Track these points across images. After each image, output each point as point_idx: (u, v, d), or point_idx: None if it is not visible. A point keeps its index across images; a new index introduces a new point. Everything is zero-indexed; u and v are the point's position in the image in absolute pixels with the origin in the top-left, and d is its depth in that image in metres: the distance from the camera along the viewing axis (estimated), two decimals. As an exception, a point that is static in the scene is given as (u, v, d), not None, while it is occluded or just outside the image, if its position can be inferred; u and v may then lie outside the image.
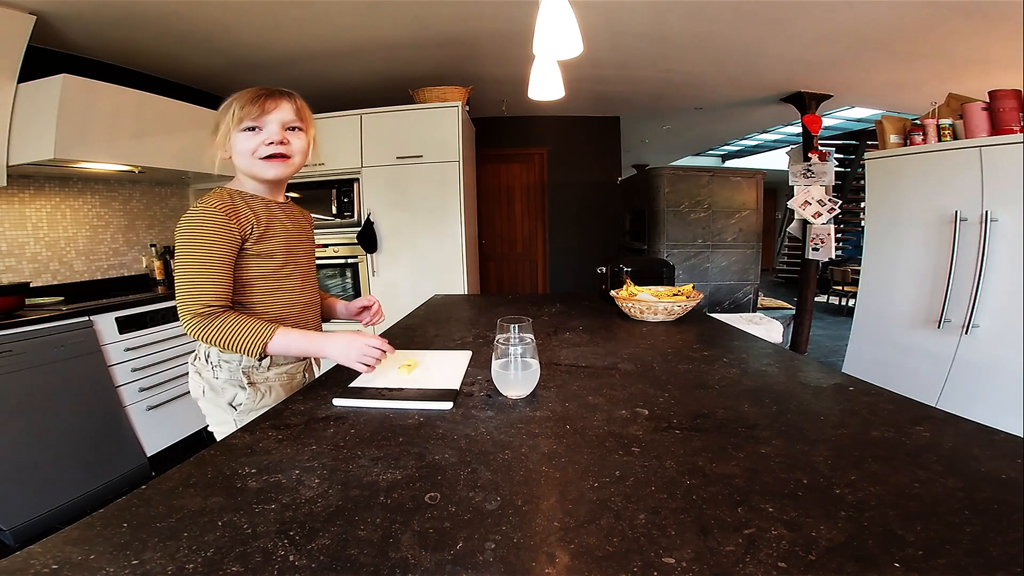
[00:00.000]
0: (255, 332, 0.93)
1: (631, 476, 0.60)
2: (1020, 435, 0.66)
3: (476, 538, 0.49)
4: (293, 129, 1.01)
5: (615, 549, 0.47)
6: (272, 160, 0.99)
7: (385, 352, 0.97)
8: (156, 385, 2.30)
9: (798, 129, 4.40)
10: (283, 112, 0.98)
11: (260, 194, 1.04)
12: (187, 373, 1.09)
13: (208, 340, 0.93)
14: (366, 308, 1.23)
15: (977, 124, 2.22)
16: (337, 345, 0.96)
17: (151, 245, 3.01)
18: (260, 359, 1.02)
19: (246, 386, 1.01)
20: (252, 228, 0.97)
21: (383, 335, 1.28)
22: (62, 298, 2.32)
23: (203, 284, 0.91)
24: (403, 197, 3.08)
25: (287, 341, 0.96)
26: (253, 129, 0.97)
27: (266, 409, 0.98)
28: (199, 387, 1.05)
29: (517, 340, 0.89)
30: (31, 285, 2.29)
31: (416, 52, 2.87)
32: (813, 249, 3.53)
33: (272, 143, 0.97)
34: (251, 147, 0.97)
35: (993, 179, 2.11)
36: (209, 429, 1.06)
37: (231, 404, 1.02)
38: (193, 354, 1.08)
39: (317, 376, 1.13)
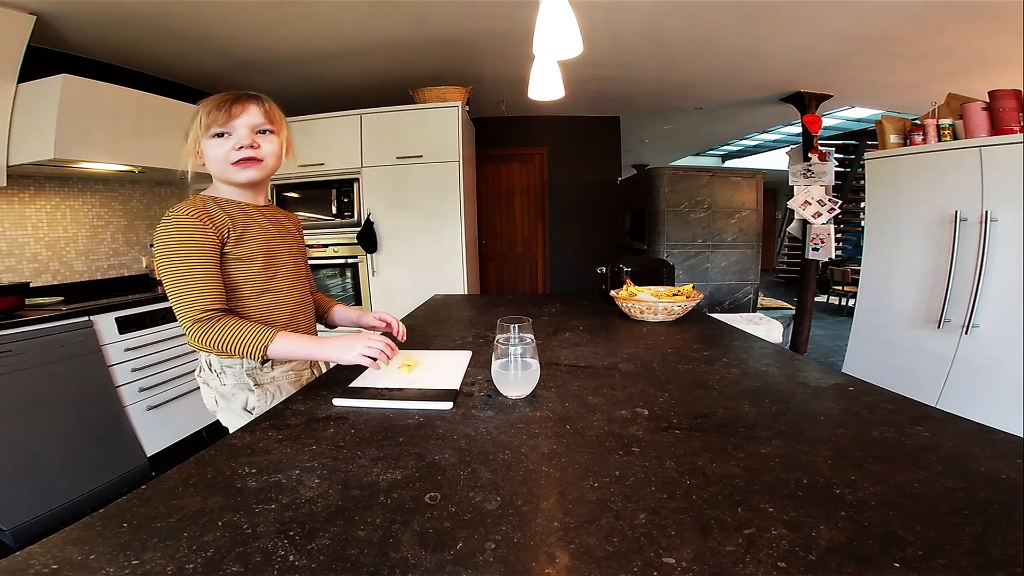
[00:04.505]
0: (255, 336, 0.92)
1: (631, 476, 0.60)
2: (1020, 435, 0.66)
3: (476, 538, 0.49)
4: (264, 132, 1.00)
5: (615, 549, 0.47)
6: (244, 164, 0.98)
7: (390, 347, 0.96)
8: (156, 385, 2.29)
9: (798, 129, 4.40)
10: (251, 116, 0.97)
11: (236, 198, 1.03)
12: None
13: (209, 346, 0.92)
14: (384, 322, 1.21)
15: (977, 124, 2.22)
16: (339, 345, 0.96)
17: (151, 245, 3.00)
18: (262, 362, 1.02)
19: (253, 388, 1.01)
20: (228, 232, 0.96)
21: (384, 334, 1.28)
22: (62, 298, 2.32)
23: (194, 289, 0.90)
24: (403, 197, 3.08)
25: (288, 344, 0.95)
26: (222, 135, 0.96)
27: None
28: (211, 398, 1.05)
29: (517, 340, 0.89)
30: (31, 285, 2.29)
31: (416, 52, 2.87)
32: (813, 249, 3.53)
33: (242, 147, 0.97)
34: (222, 153, 0.97)
35: (993, 179, 2.11)
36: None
37: (245, 409, 1.02)
38: (197, 366, 1.07)
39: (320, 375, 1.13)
